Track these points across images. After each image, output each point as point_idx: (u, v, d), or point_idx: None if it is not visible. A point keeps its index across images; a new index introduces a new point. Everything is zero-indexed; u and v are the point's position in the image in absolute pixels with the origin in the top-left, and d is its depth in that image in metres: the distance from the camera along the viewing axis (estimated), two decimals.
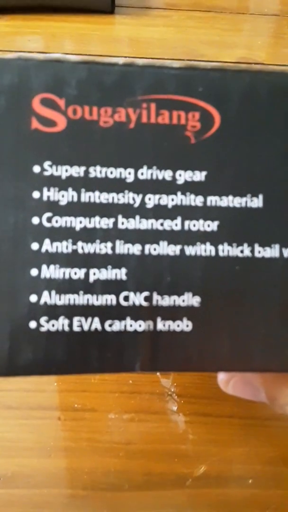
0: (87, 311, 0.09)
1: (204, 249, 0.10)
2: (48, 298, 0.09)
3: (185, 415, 0.22)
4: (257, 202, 0.10)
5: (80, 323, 0.09)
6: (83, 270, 0.09)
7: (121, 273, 0.09)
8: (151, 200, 0.10)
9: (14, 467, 0.20)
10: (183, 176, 0.10)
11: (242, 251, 0.10)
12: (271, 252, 0.10)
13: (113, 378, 0.22)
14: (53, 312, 0.09)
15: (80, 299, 0.09)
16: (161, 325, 0.10)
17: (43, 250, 0.09)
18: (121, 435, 0.21)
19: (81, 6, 0.40)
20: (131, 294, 0.09)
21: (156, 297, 0.10)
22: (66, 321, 0.09)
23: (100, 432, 0.21)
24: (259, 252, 0.10)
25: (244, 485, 0.20)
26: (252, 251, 0.10)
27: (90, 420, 0.21)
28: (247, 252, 0.10)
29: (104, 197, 0.09)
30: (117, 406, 0.22)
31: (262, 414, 0.22)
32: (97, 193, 0.09)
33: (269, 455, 0.21)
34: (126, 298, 0.09)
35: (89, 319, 0.09)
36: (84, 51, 0.38)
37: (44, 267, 0.09)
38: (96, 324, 0.09)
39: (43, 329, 0.09)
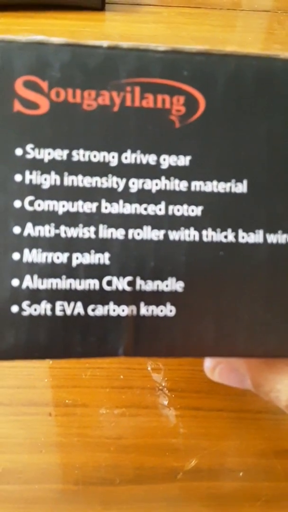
0: (69, 295, 0.09)
1: (188, 234, 0.10)
2: (30, 282, 0.09)
3: (176, 409, 0.22)
4: (241, 187, 0.10)
5: (63, 308, 0.09)
6: (66, 255, 0.09)
7: (104, 258, 0.09)
8: (135, 185, 0.09)
9: (5, 463, 0.20)
10: (167, 161, 0.10)
11: (226, 237, 0.10)
12: (255, 237, 0.10)
13: (104, 373, 0.22)
14: (35, 296, 0.09)
15: (63, 283, 0.09)
16: (145, 310, 0.09)
17: (25, 234, 0.09)
18: (112, 429, 0.21)
19: (71, 3, 0.40)
20: (114, 279, 0.09)
21: (139, 282, 0.09)
22: (49, 306, 0.09)
23: (91, 427, 0.21)
24: (243, 237, 0.10)
25: (235, 478, 0.21)
26: (236, 237, 0.10)
27: (81, 416, 0.21)
28: (231, 237, 0.10)
29: (87, 181, 0.09)
30: (108, 401, 0.22)
31: (253, 407, 0.22)
32: (80, 177, 0.09)
33: (260, 447, 0.21)
34: (109, 283, 0.09)
35: (72, 304, 0.09)
36: None
37: (26, 251, 0.09)
38: (79, 308, 0.09)
39: (25, 314, 0.09)
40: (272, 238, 0.10)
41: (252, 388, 0.11)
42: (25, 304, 0.09)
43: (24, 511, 0.19)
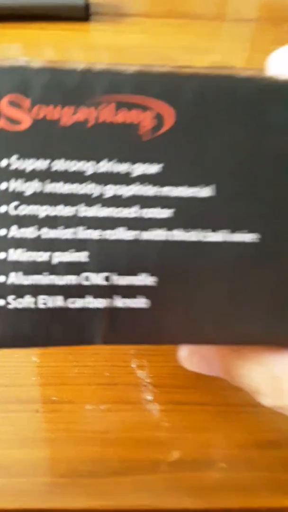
0: (51, 290, 0.10)
1: (159, 234, 0.11)
2: (15, 278, 0.10)
3: (160, 404, 0.22)
4: (208, 191, 0.11)
5: (45, 301, 0.10)
6: (48, 254, 0.10)
7: (82, 256, 0.10)
8: (110, 190, 0.10)
9: None
10: (138, 169, 0.11)
11: (194, 236, 0.11)
12: (221, 236, 0.11)
13: (90, 371, 0.23)
14: (20, 291, 0.10)
15: (45, 279, 0.10)
16: (120, 302, 0.11)
17: (10, 235, 0.10)
18: (98, 424, 0.22)
19: (56, 14, 0.41)
20: (92, 275, 0.10)
21: (114, 277, 0.10)
22: (32, 299, 0.10)
23: (77, 422, 0.22)
24: (210, 236, 0.11)
25: (217, 469, 0.21)
26: (204, 236, 0.11)
27: (67, 412, 0.22)
28: (199, 236, 0.11)
29: (66, 188, 0.10)
30: (94, 398, 0.22)
31: (234, 401, 0.23)
32: (59, 184, 0.10)
33: (241, 439, 0.22)
34: (87, 278, 0.10)
35: (53, 297, 0.10)
36: (61, 58, 0.39)
37: (11, 250, 0.10)
38: (59, 301, 0.10)
39: (10, 307, 0.10)
40: (236, 237, 0.11)
41: (222, 375, 0.12)
42: (10, 298, 0.10)
43: (13, 504, 0.20)
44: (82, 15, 0.41)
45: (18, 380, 0.23)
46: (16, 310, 0.10)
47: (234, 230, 0.11)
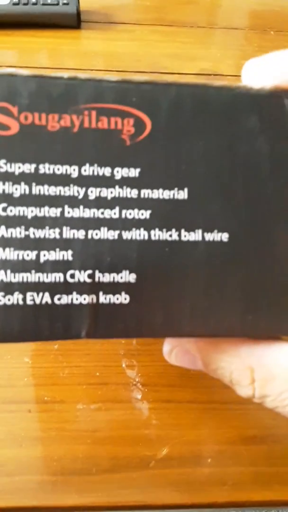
0: (38, 287, 0.11)
1: (139, 234, 0.11)
2: (4, 276, 0.11)
3: (149, 402, 0.23)
4: (183, 194, 0.11)
5: (33, 298, 0.11)
6: (35, 252, 0.11)
7: (67, 255, 0.11)
8: (93, 193, 0.11)
9: None
10: (120, 173, 0.11)
11: (170, 235, 0.11)
12: (195, 236, 0.12)
13: (81, 371, 0.24)
14: (9, 288, 0.11)
15: (32, 277, 0.11)
16: (103, 298, 0.11)
17: None
18: (89, 423, 0.22)
19: (48, 22, 0.42)
20: (77, 272, 0.11)
21: (98, 274, 0.11)
22: (21, 296, 0.11)
23: (68, 421, 0.22)
24: (185, 236, 0.11)
25: (204, 464, 0.22)
26: (179, 235, 0.11)
27: (59, 411, 0.22)
28: (175, 236, 0.11)
29: (52, 190, 0.11)
30: (85, 397, 0.23)
31: (220, 398, 0.23)
32: (46, 186, 0.11)
33: (227, 435, 0.22)
34: (72, 276, 0.11)
35: (40, 294, 0.11)
36: (54, 65, 0.39)
37: (0, 250, 0.11)
38: (46, 298, 0.11)
39: (0, 303, 0.11)
40: (209, 237, 0.12)
41: (203, 368, 0.13)
42: (0, 295, 0.11)
43: (6, 502, 0.20)
44: (74, 23, 0.42)
45: (10, 381, 0.23)
46: (5, 306, 0.11)
47: (206, 230, 0.12)
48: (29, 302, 0.11)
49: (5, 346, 0.24)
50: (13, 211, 0.11)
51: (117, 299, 0.11)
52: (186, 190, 0.11)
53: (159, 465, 0.22)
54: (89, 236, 0.11)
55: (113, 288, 0.11)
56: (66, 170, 0.11)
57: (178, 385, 0.24)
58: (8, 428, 0.22)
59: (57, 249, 0.11)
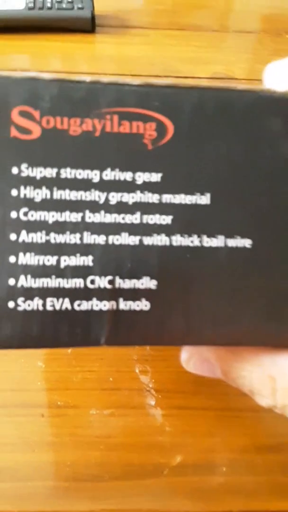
0: (58, 292, 0.11)
1: (160, 240, 0.11)
2: (25, 281, 0.11)
3: (162, 409, 0.23)
4: (205, 199, 0.11)
5: (53, 303, 0.11)
6: (55, 257, 0.11)
7: (88, 260, 0.11)
8: (114, 198, 0.11)
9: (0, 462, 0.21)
10: (141, 177, 0.11)
11: (192, 241, 0.11)
12: (217, 242, 0.11)
13: (94, 376, 0.24)
14: (29, 293, 0.11)
15: (52, 282, 0.11)
16: (123, 305, 0.11)
17: (20, 240, 0.11)
18: (102, 429, 0.22)
19: (62, 26, 0.42)
20: (97, 278, 0.11)
21: (118, 280, 0.11)
22: (40, 302, 0.11)
23: (82, 427, 0.22)
24: (207, 242, 0.11)
25: (218, 473, 0.21)
26: (201, 241, 0.11)
27: (72, 416, 0.22)
28: (196, 242, 0.11)
29: (73, 195, 0.11)
30: (98, 402, 0.23)
31: (235, 405, 0.23)
32: (67, 191, 0.11)
33: (242, 443, 0.22)
34: (93, 282, 0.11)
35: (60, 300, 0.11)
36: (68, 69, 0.39)
37: (21, 254, 0.11)
38: (66, 304, 0.11)
39: (20, 309, 0.11)
40: (231, 243, 0.11)
41: (222, 377, 0.13)
42: (20, 300, 0.11)
43: (18, 507, 0.20)
44: (88, 27, 0.42)
45: (24, 385, 0.23)
46: (25, 312, 0.11)
47: (228, 236, 0.11)
48: (49, 307, 0.11)
49: (20, 350, 0.24)
50: (34, 215, 0.11)
51: (137, 305, 0.11)
52: (208, 195, 0.11)
53: (172, 473, 0.21)
54: (110, 242, 0.11)
55: (134, 294, 0.11)
56: (88, 175, 0.11)
57: (192, 392, 0.23)
58: (21, 433, 0.22)
59: (78, 254, 0.11)
